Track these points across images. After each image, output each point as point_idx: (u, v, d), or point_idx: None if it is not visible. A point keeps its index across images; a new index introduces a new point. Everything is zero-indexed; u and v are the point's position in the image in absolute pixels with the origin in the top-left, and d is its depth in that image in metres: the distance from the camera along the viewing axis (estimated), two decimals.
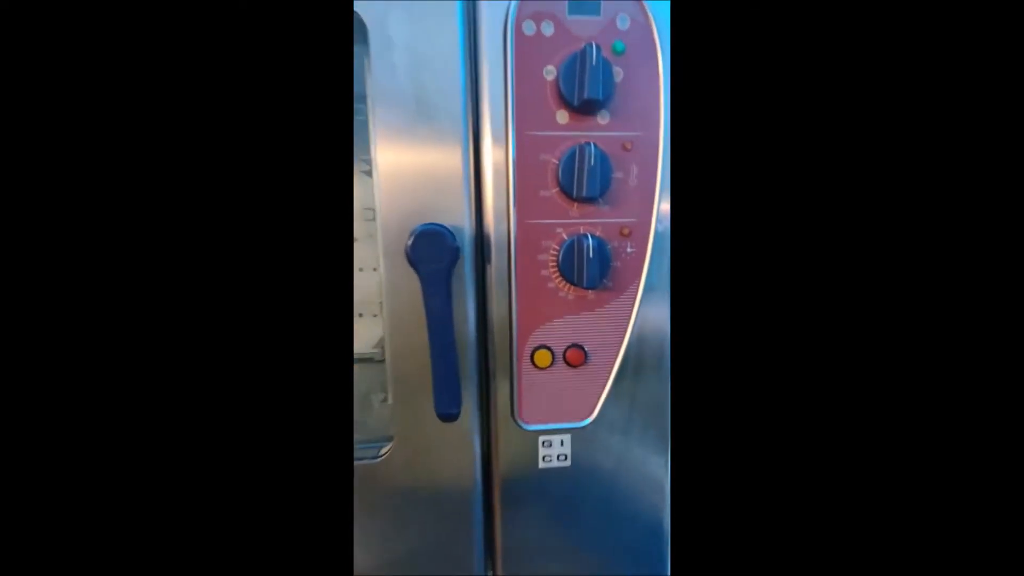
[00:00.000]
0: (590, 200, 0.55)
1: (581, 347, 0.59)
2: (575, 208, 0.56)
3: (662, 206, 0.58)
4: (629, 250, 0.58)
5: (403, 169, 0.52)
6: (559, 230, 0.56)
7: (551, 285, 0.57)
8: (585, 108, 0.53)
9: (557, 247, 0.56)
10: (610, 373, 0.61)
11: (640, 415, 0.62)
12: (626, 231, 0.58)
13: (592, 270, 0.54)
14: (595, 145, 0.53)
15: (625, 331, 0.60)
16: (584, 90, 0.51)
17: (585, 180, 0.53)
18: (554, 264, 0.56)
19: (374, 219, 0.60)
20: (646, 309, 0.60)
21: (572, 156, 0.54)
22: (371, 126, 0.53)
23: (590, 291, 0.57)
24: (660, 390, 0.62)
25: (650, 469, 0.63)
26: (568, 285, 0.57)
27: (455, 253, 0.50)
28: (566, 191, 0.55)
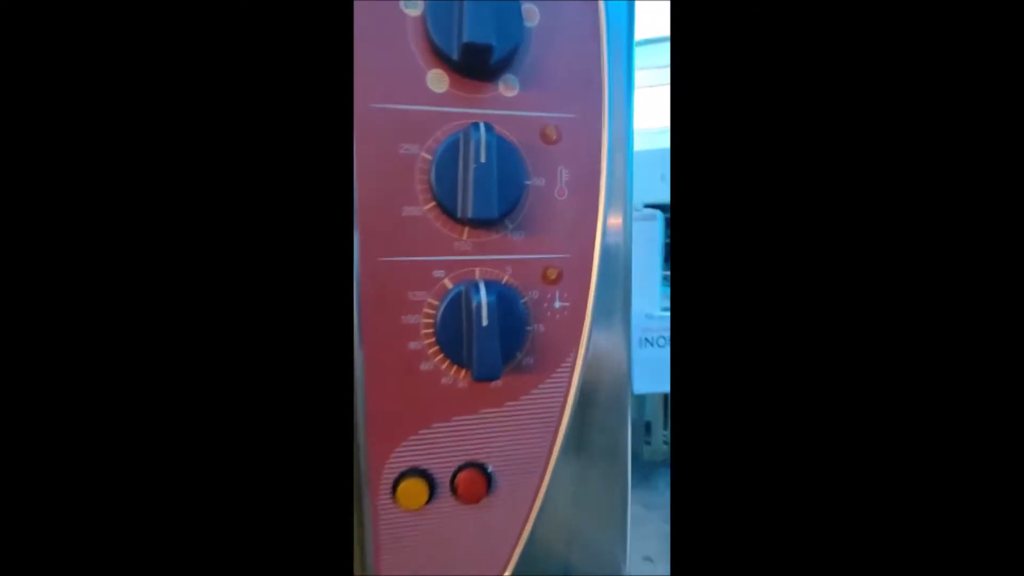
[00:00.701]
0: (488, 223, 0.33)
1: (482, 468, 0.35)
2: (464, 236, 0.33)
3: (609, 231, 0.36)
4: (558, 304, 0.35)
5: None
6: (438, 273, 0.33)
7: (426, 366, 0.34)
8: (474, 65, 0.31)
9: (435, 303, 0.33)
10: (534, 502, 0.37)
11: (583, 541, 0.39)
12: (553, 274, 0.35)
13: (487, 347, 0.31)
14: (489, 128, 0.31)
15: (557, 431, 0.37)
16: (464, 30, 0.29)
17: (472, 188, 0.30)
18: (430, 331, 0.33)
19: None
20: (592, 391, 0.37)
21: (454, 147, 0.31)
22: None
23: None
24: (615, 477, 0.39)
25: None
26: (455, 367, 0.34)
27: None
28: (446, 207, 0.32)
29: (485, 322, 0.30)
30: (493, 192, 0.30)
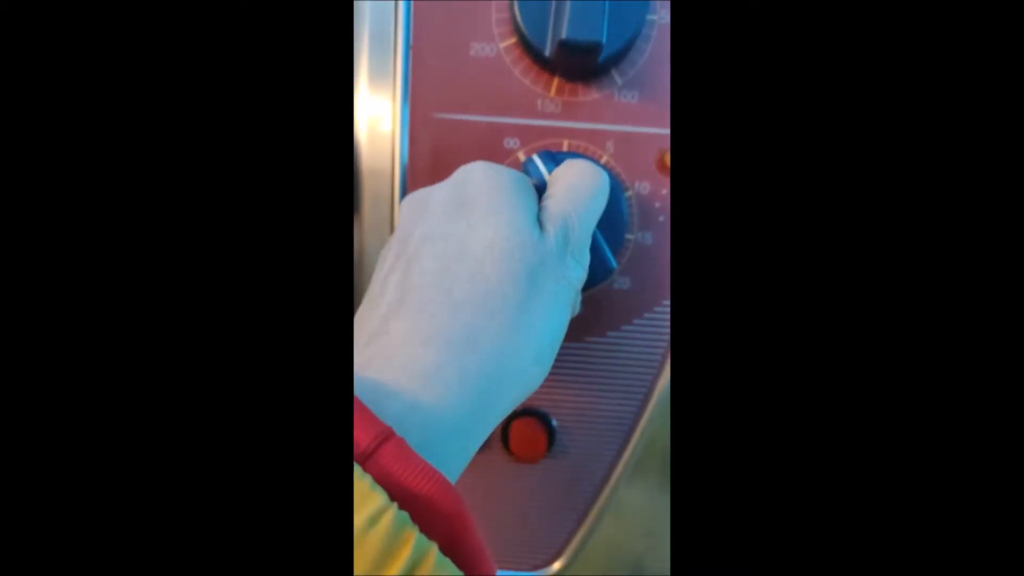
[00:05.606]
0: (587, 66, 0.22)
1: (544, 419, 0.26)
2: (553, 90, 0.23)
3: None
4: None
5: None
6: (510, 142, 0.24)
7: None
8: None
9: None
10: (608, 476, 0.28)
11: (665, 535, 0.29)
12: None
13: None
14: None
15: (654, 386, 0.27)
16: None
17: (569, 4, 0.20)
18: None
19: None
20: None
21: None
22: None
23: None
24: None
25: None
26: None
27: None
28: (531, 42, 0.22)
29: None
30: (601, 8, 0.20)
